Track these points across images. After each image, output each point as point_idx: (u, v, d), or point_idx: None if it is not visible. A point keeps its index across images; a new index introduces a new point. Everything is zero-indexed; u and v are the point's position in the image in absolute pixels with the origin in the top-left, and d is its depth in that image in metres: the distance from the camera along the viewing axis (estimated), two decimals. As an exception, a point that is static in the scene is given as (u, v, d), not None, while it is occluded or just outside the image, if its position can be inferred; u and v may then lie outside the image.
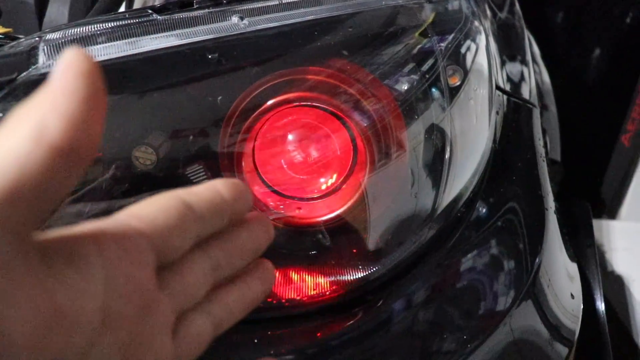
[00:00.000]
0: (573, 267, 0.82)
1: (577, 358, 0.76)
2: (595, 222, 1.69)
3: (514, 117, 0.86)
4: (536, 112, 0.92)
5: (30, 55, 0.51)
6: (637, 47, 1.80)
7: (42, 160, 0.20)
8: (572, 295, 0.76)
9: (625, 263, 1.51)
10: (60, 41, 0.52)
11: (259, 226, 0.34)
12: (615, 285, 1.47)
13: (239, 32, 0.55)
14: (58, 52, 0.51)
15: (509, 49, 1.06)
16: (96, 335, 0.24)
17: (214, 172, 0.56)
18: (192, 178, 0.56)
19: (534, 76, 1.24)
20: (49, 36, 0.53)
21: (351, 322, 0.58)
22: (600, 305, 0.96)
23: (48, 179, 0.21)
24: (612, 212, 1.89)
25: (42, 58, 0.51)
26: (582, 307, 0.78)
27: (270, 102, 0.56)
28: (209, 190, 0.30)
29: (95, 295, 0.23)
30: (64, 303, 0.22)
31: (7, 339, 0.19)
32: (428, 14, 0.69)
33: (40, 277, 0.21)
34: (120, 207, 0.53)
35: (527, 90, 1.00)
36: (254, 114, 0.55)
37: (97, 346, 0.24)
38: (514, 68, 1.02)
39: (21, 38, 0.62)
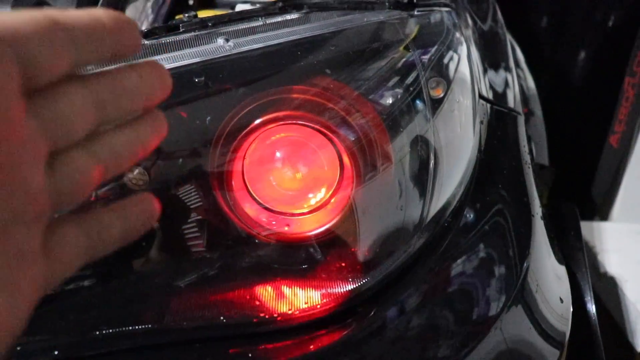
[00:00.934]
0: (561, 270, 0.83)
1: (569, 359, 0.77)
2: (587, 224, 1.71)
3: (499, 126, 0.87)
4: (520, 120, 0.94)
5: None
6: (621, 48, 1.82)
7: (44, 22, 0.22)
8: (561, 299, 0.77)
9: (617, 264, 1.53)
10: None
11: (152, 71, 0.32)
12: (608, 286, 1.48)
13: (225, 54, 0.57)
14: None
15: (492, 57, 1.08)
16: None
17: (205, 191, 0.57)
18: (184, 198, 0.58)
19: (519, 82, 1.26)
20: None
21: (344, 333, 0.59)
22: (591, 307, 0.98)
23: (44, 41, 0.22)
24: (603, 213, 1.91)
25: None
26: (571, 310, 0.79)
27: (257, 122, 0.57)
28: (87, 15, 0.28)
29: None
30: None
31: None
32: (411, 29, 0.71)
33: None
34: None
35: (512, 98, 1.01)
36: (242, 134, 0.57)
37: None
38: (497, 76, 1.04)
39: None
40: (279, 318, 0.57)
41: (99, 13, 0.29)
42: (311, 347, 0.57)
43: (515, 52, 1.58)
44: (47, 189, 0.27)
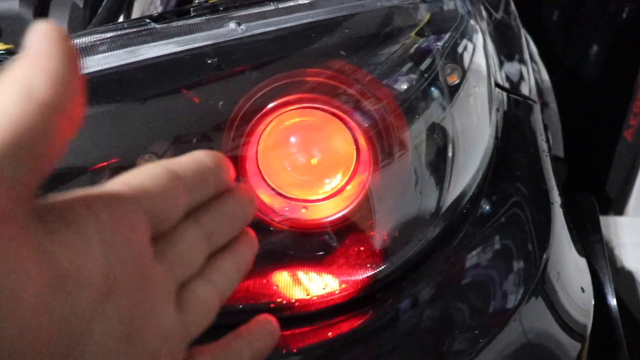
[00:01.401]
0: (582, 262, 0.81)
1: (590, 354, 0.75)
2: (603, 219, 1.68)
3: (515, 114, 0.86)
4: (537, 108, 0.93)
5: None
6: (635, 41, 1.80)
7: (35, 116, 0.21)
8: (582, 289, 0.75)
9: (634, 258, 1.51)
10: (60, 52, 0.52)
11: (243, 195, 0.35)
12: (626, 281, 1.46)
13: (237, 37, 0.56)
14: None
15: (507, 48, 1.06)
16: (98, 302, 0.23)
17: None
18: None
19: (534, 74, 1.25)
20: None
21: (361, 320, 0.58)
22: (612, 301, 0.96)
23: (42, 135, 0.21)
24: (618, 208, 1.89)
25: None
26: (593, 301, 0.77)
27: (270, 105, 0.56)
28: (193, 160, 0.31)
29: (94, 257, 0.23)
30: (66, 266, 0.22)
31: (12, 304, 0.19)
32: (424, 14, 0.70)
33: (40, 240, 0.21)
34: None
35: (527, 88, 1.00)
36: (256, 118, 0.56)
37: (100, 314, 0.24)
38: (512, 67, 1.02)
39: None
40: (296, 303, 0.56)
41: (202, 156, 0.32)
42: (329, 333, 0.56)
43: (529, 45, 1.56)
44: (178, 324, 0.29)
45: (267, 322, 0.35)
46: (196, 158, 0.31)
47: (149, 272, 0.27)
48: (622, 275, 1.47)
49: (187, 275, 0.30)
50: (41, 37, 0.23)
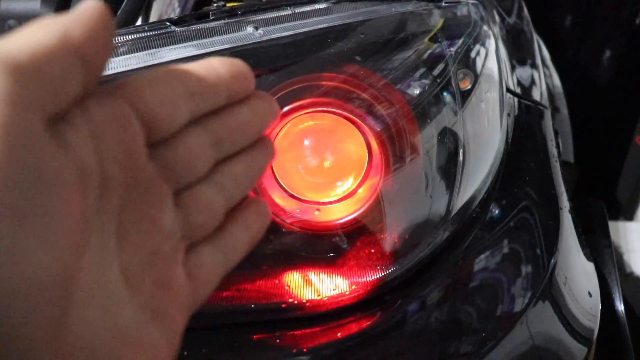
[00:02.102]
0: (590, 266, 0.82)
1: (597, 359, 0.76)
2: (612, 224, 1.68)
3: (526, 119, 0.87)
4: (547, 114, 0.93)
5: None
6: (647, 47, 1.80)
7: (65, 54, 0.22)
8: (589, 293, 0.76)
9: (643, 264, 1.51)
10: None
11: (262, 102, 0.33)
12: (635, 287, 1.46)
13: (255, 41, 0.57)
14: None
15: (519, 53, 1.07)
16: (97, 200, 0.24)
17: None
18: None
19: (545, 79, 1.25)
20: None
21: (370, 322, 0.59)
22: (620, 306, 0.96)
23: (67, 73, 0.22)
24: (628, 213, 1.88)
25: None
26: (600, 306, 0.78)
27: (286, 109, 0.57)
28: (203, 67, 0.30)
29: (91, 156, 0.24)
30: (74, 164, 0.23)
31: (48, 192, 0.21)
32: (437, 20, 0.70)
33: (51, 140, 0.22)
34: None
35: (538, 93, 1.00)
36: (271, 121, 0.57)
37: (99, 213, 0.24)
38: (524, 72, 1.03)
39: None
40: (307, 304, 0.57)
41: (214, 63, 0.30)
42: (338, 334, 0.57)
43: (541, 50, 1.56)
44: (179, 223, 0.29)
45: (258, 203, 0.34)
46: (208, 65, 0.30)
47: (142, 173, 0.27)
48: (631, 281, 1.47)
49: (188, 179, 0.30)
50: (86, 5, 0.24)
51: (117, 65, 0.53)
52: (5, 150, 0.20)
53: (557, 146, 0.93)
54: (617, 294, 0.94)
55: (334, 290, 0.59)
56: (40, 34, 0.22)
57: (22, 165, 0.20)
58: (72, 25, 0.24)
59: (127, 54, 0.54)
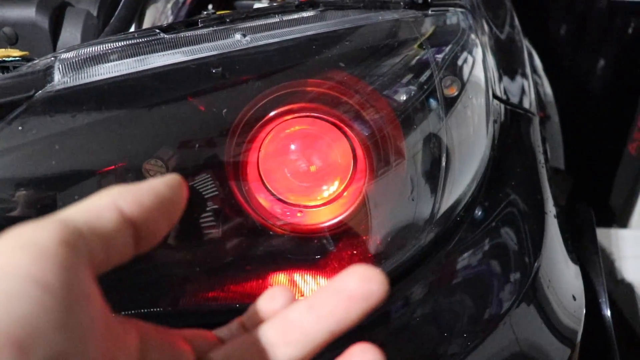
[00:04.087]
0: (575, 271, 0.83)
1: (583, 363, 0.77)
2: (605, 231, 1.70)
3: (513, 126, 0.88)
4: (535, 121, 0.95)
5: (47, 74, 0.54)
6: (640, 56, 1.82)
7: (113, 217, 0.26)
8: (573, 297, 0.77)
9: (634, 271, 1.52)
10: (74, 60, 0.55)
11: None
12: (625, 293, 1.47)
13: (242, 47, 0.58)
14: (72, 70, 0.55)
15: (508, 61, 1.08)
16: None
17: (221, 182, 0.59)
18: (200, 188, 0.59)
19: (536, 88, 1.27)
20: (64, 55, 0.56)
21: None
22: (606, 310, 0.97)
23: (113, 235, 0.26)
24: (621, 221, 1.90)
25: (57, 76, 0.54)
26: (584, 309, 0.79)
27: (272, 114, 0.58)
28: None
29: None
30: None
31: None
32: (426, 28, 0.72)
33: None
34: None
35: (528, 101, 1.02)
36: (258, 125, 0.58)
37: None
38: (513, 80, 1.04)
39: (37, 60, 0.65)
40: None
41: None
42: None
43: (533, 59, 1.58)
44: None
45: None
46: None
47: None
48: (622, 287, 1.49)
49: None
50: (168, 180, 0.28)
51: (107, 71, 0.55)
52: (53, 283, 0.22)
53: (545, 152, 0.95)
54: (604, 299, 0.95)
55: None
56: (98, 199, 0.26)
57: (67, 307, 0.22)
58: (124, 195, 0.28)
59: (117, 60, 0.56)
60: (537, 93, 1.30)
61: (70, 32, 0.88)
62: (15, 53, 0.73)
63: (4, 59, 0.65)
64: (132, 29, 0.90)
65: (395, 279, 0.64)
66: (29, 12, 0.87)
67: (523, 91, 1.05)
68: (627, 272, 1.51)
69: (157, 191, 0.28)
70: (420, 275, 0.65)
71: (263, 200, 0.61)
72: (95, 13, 0.92)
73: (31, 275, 0.21)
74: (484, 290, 0.67)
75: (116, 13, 0.85)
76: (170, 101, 0.56)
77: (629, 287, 1.47)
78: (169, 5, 0.98)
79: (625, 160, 1.90)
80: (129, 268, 0.30)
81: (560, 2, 2.07)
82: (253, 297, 0.59)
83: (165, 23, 0.95)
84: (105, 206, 0.26)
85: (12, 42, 0.88)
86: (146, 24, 0.96)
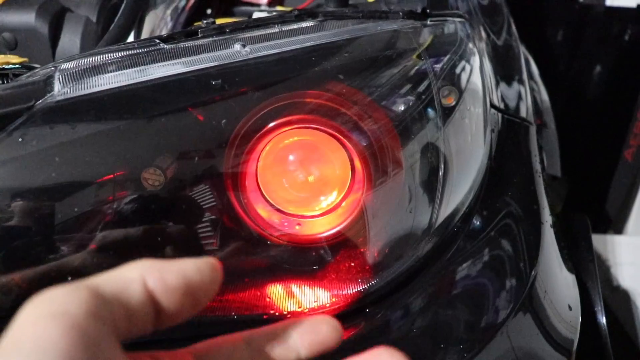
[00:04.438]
0: (571, 279, 0.84)
1: (579, 371, 0.77)
2: (601, 237, 1.70)
3: (510, 135, 0.88)
4: (532, 130, 0.95)
5: (47, 84, 0.55)
6: (637, 63, 1.83)
7: (138, 291, 0.27)
8: (569, 306, 0.78)
9: (630, 277, 1.52)
10: (74, 70, 0.55)
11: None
12: (621, 300, 1.48)
13: (241, 58, 0.59)
14: (72, 81, 0.55)
15: (506, 69, 1.09)
16: None
17: (219, 192, 0.59)
18: (199, 198, 0.59)
19: (533, 95, 1.27)
20: (64, 66, 0.56)
21: (352, 332, 0.61)
22: (602, 318, 0.98)
23: (136, 308, 0.27)
24: (617, 227, 1.91)
25: (57, 86, 0.54)
26: (580, 318, 0.79)
27: (271, 125, 0.59)
28: None
29: None
30: None
31: None
32: (425, 38, 0.72)
33: None
34: (128, 224, 0.56)
35: (524, 109, 1.02)
36: (257, 136, 0.58)
37: None
38: (510, 88, 1.05)
39: (36, 67, 0.65)
40: (288, 315, 0.59)
41: None
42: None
43: (530, 65, 1.59)
44: None
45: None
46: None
47: None
48: (618, 294, 1.49)
49: None
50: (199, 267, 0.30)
51: (107, 82, 0.55)
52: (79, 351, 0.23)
53: (542, 161, 0.95)
54: (600, 307, 0.95)
55: (315, 302, 0.60)
56: (127, 270, 0.28)
57: None
58: (152, 271, 0.28)
59: (116, 71, 0.56)
60: (534, 100, 1.31)
61: (70, 38, 0.88)
62: (14, 60, 0.73)
63: (3, 66, 0.65)
64: (132, 35, 0.90)
65: (393, 289, 0.65)
66: (28, 18, 0.87)
67: (520, 99, 1.06)
68: (623, 279, 1.51)
69: (185, 273, 0.29)
70: (418, 286, 0.66)
71: (261, 210, 0.61)
72: (94, 19, 0.92)
73: (62, 350, 0.23)
74: (482, 300, 0.67)
75: (116, 20, 0.85)
76: (169, 112, 0.57)
77: (624, 294, 1.47)
78: (169, 12, 0.98)
79: (621, 166, 1.91)
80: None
81: (556, 8, 2.08)
82: (251, 307, 0.60)
83: (164, 29, 0.95)
84: (133, 279, 0.27)
85: (12, 48, 0.88)
86: (145, 30, 0.96)
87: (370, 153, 0.61)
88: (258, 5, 1.17)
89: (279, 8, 1.16)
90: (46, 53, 0.89)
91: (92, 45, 0.90)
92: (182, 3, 1.01)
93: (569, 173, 1.50)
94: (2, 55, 0.78)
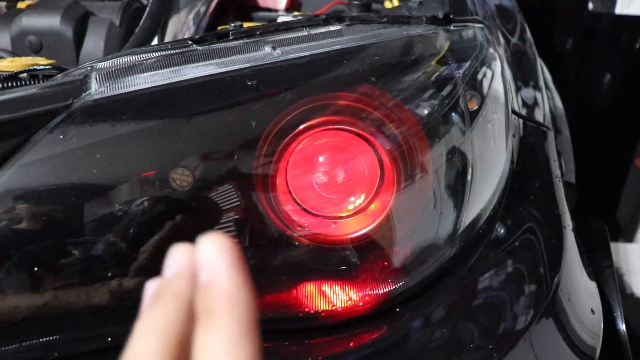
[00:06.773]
0: (592, 284, 0.84)
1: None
2: (613, 245, 1.69)
3: (530, 140, 0.89)
4: (551, 135, 0.95)
5: (83, 83, 0.55)
6: (648, 71, 1.83)
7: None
8: (592, 310, 0.78)
9: (643, 285, 1.52)
10: (110, 70, 0.56)
11: None
12: (634, 308, 1.47)
13: (275, 60, 0.59)
14: (108, 80, 0.55)
15: (523, 75, 1.09)
16: None
17: (249, 192, 0.59)
18: (228, 198, 0.60)
19: (547, 101, 1.27)
20: (100, 65, 0.57)
21: (379, 333, 0.61)
22: (621, 325, 0.97)
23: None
24: (628, 235, 1.90)
25: (94, 85, 0.55)
26: (602, 324, 0.79)
27: (302, 126, 0.59)
28: None
29: None
30: None
31: None
32: (448, 43, 0.73)
33: None
34: (157, 225, 0.56)
35: (542, 115, 1.03)
36: (287, 137, 0.59)
37: None
38: (528, 93, 1.05)
39: (66, 68, 0.66)
40: (323, 314, 0.59)
41: None
42: (351, 344, 0.58)
43: (544, 72, 1.59)
44: None
45: None
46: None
47: None
48: (632, 302, 1.49)
49: None
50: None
51: (143, 81, 0.56)
52: None
53: (560, 167, 0.95)
54: (619, 314, 0.95)
55: (347, 301, 0.61)
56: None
57: None
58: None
59: (152, 71, 0.57)
60: (549, 106, 1.31)
61: (94, 41, 0.89)
62: (42, 61, 0.74)
63: (34, 67, 0.66)
64: (155, 39, 0.91)
65: (418, 292, 0.65)
66: (53, 22, 0.88)
67: (537, 104, 1.06)
68: (636, 287, 1.51)
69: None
70: (442, 290, 0.66)
71: (290, 210, 0.61)
72: (117, 23, 0.93)
73: None
74: (504, 306, 0.68)
75: (141, 23, 0.86)
76: (201, 112, 0.57)
77: (638, 302, 1.47)
78: (191, 17, 0.99)
79: (632, 174, 1.91)
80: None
81: (566, 16, 2.09)
82: (281, 306, 0.60)
83: (187, 33, 0.96)
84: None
85: (37, 50, 0.89)
86: (168, 34, 0.97)
87: (399, 154, 0.62)
88: (275, 10, 1.18)
89: (296, 13, 1.17)
90: (70, 56, 0.90)
91: (116, 48, 0.91)
92: (203, 8, 1.02)
93: (579, 180, 1.50)
94: (30, 57, 0.79)
